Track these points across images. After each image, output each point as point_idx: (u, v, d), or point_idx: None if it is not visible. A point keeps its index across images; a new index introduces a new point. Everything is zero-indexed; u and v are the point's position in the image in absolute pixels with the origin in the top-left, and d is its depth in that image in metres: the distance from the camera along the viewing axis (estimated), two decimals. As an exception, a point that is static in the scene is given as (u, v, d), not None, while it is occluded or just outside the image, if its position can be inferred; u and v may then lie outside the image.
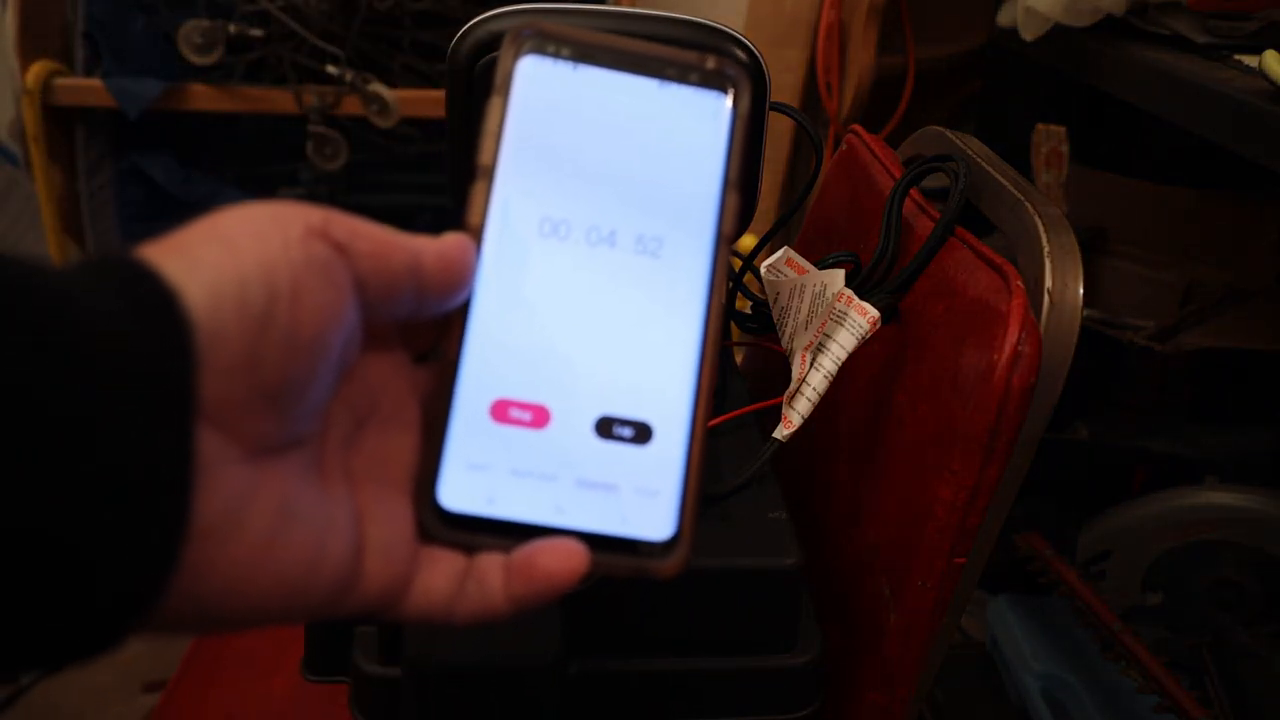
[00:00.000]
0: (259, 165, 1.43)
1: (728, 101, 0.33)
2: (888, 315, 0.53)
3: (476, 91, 0.53)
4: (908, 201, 0.60)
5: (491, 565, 0.30)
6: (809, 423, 0.52)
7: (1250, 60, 0.75)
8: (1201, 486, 0.95)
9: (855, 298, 0.52)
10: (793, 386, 0.52)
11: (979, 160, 0.59)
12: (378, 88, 1.31)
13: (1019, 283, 0.48)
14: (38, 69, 1.27)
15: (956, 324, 0.51)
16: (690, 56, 0.33)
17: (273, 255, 0.27)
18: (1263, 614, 0.93)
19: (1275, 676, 0.86)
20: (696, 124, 0.33)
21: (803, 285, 0.55)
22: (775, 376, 0.61)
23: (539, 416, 0.31)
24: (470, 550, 0.31)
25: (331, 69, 1.32)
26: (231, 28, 1.30)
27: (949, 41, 1.28)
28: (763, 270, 0.59)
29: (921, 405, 0.52)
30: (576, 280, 0.32)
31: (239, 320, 0.26)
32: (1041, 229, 0.51)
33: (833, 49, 1.20)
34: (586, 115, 0.33)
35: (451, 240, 0.31)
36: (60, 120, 1.32)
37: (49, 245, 1.36)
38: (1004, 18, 1.03)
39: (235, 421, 0.26)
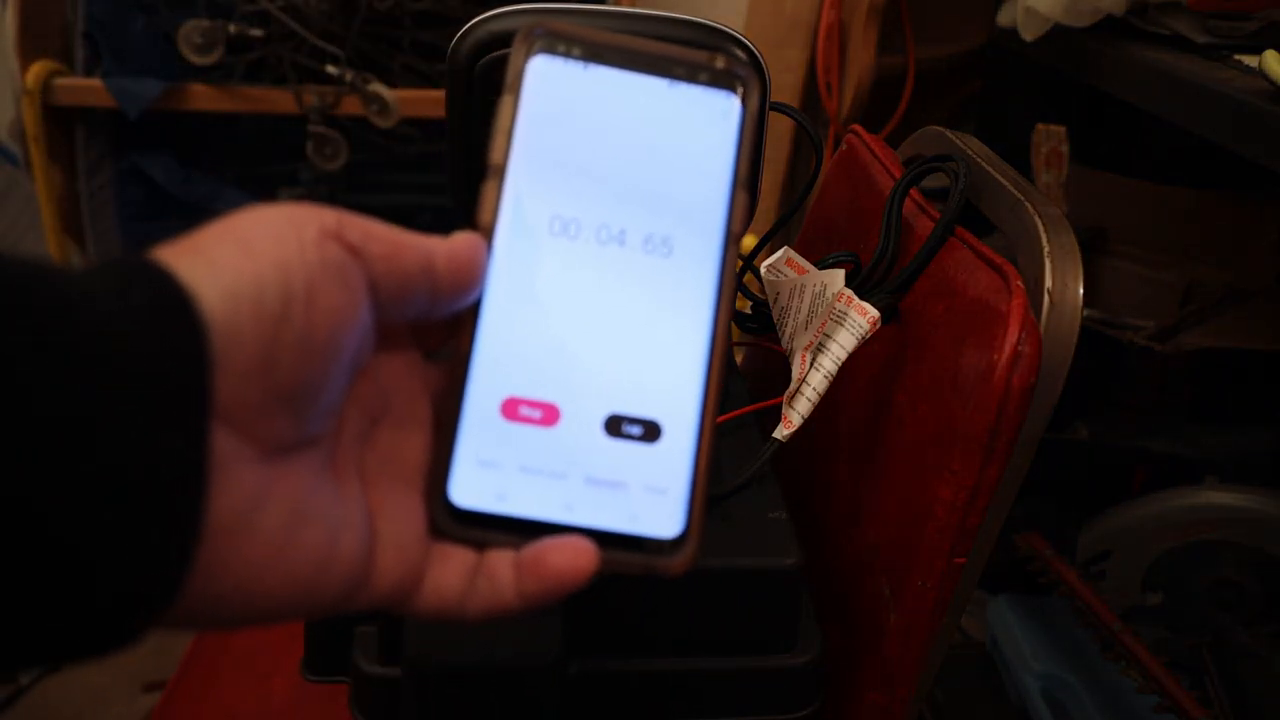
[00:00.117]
0: (259, 165, 1.44)
1: (737, 101, 0.34)
2: (888, 315, 0.53)
3: (476, 91, 0.53)
4: (908, 201, 0.60)
5: (502, 562, 0.30)
6: (809, 423, 0.52)
7: (1250, 60, 0.75)
8: (1201, 486, 0.95)
9: (855, 298, 0.52)
10: (793, 386, 0.52)
11: (979, 160, 0.59)
12: (378, 88, 1.31)
13: (1019, 283, 0.48)
14: (38, 69, 1.27)
15: (956, 324, 0.51)
16: (700, 56, 0.33)
17: (288, 257, 0.27)
18: (1263, 614, 0.93)
19: (1275, 676, 0.86)
20: (706, 123, 0.33)
21: (803, 285, 0.55)
22: (775, 376, 0.61)
23: (549, 414, 0.31)
24: (481, 547, 0.31)
25: (331, 69, 1.32)
26: (231, 28, 1.30)
27: (949, 41, 1.28)
28: (763, 270, 0.59)
29: (921, 405, 0.52)
30: (586, 279, 0.32)
31: (254, 322, 0.26)
32: (1041, 229, 0.51)
33: (833, 49, 1.20)
34: (597, 114, 0.33)
35: (463, 240, 0.31)
36: (60, 120, 1.32)
37: (49, 245, 1.36)
38: (1004, 18, 1.03)
39: (249, 422, 0.26)
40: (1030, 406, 0.47)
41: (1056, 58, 0.96)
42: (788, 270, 0.57)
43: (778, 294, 0.58)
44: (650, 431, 0.32)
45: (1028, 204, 0.52)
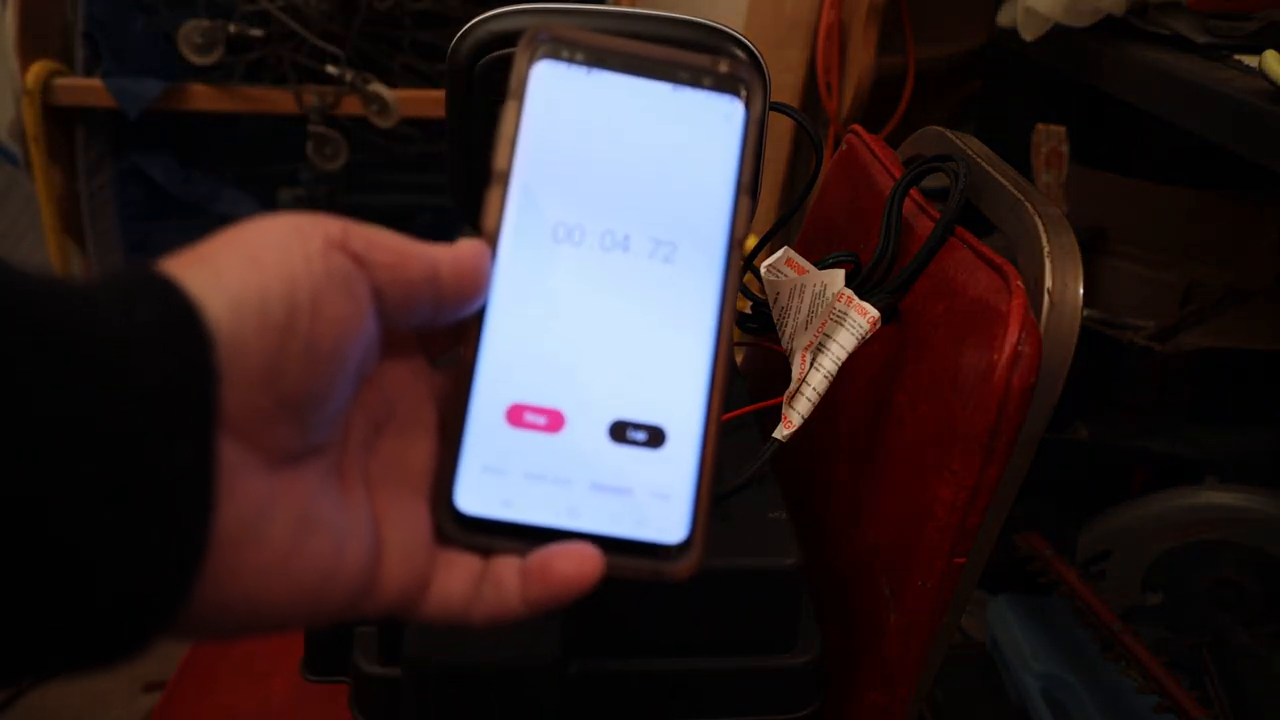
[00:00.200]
0: (259, 165, 1.44)
1: (740, 105, 0.34)
2: (888, 315, 0.53)
3: (477, 91, 0.53)
4: (908, 201, 0.60)
5: (507, 568, 0.30)
6: (809, 423, 0.52)
7: (1250, 60, 0.75)
8: (1201, 486, 0.95)
9: (855, 298, 0.52)
10: (793, 386, 0.52)
11: (979, 160, 0.59)
12: (378, 88, 1.31)
13: (1019, 283, 0.48)
14: (38, 69, 1.27)
15: (956, 324, 0.51)
16: (703, 60, 0.33)
17: (294, 268, 0.27)
18: (1263, 614, 0.93)
19: (1275, 676, 0.86)
20: (710, 128, 0.33)
21: (803, 285, 0.55)
22: (775, 376, 0.61)
23: (554, 421, 0.31)
24: (486, 553, 0.31)
25: (331, 69, 1.32)
26: (231, 28, 1.30)
27: (949, 41, 1.28)
28: (763, 270, 0.59)
29: (921, 405, 0.52)
30: (590, 285, 0.32)
31: (260, 333, 0.26)
32: (1041, 229, 0.51)
33: (833, 49, 1.20)
34: (600, 119, 0.33)
35: (467, 248, 0.31)
36: (60, 120, 1.32)
37: (49, 245, 1.36)
38: (1004, 18, 1.03)
39: (256, 432, 0.27)
40: (1030, 406, 0.47)
41: (1056, 58, 0.96)
42: (788, 270, 0.57)
43: (778, 294, 0.58)
44: (655, 437, 0.32)
45: (1028, 204, 0.52)
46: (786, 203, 1.27)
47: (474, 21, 0.53)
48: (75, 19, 1.30)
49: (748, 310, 0.65)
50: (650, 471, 0.31)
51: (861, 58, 1.18)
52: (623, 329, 0.32)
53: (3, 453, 0.22)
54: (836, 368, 0.51)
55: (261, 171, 1.44)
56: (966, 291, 0.51)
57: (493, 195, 0.32)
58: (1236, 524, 0.92)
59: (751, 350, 0.79)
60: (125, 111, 1.28)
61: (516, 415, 0.31)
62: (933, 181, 0.61)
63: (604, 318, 0.32)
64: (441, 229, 1.45)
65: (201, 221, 1.43)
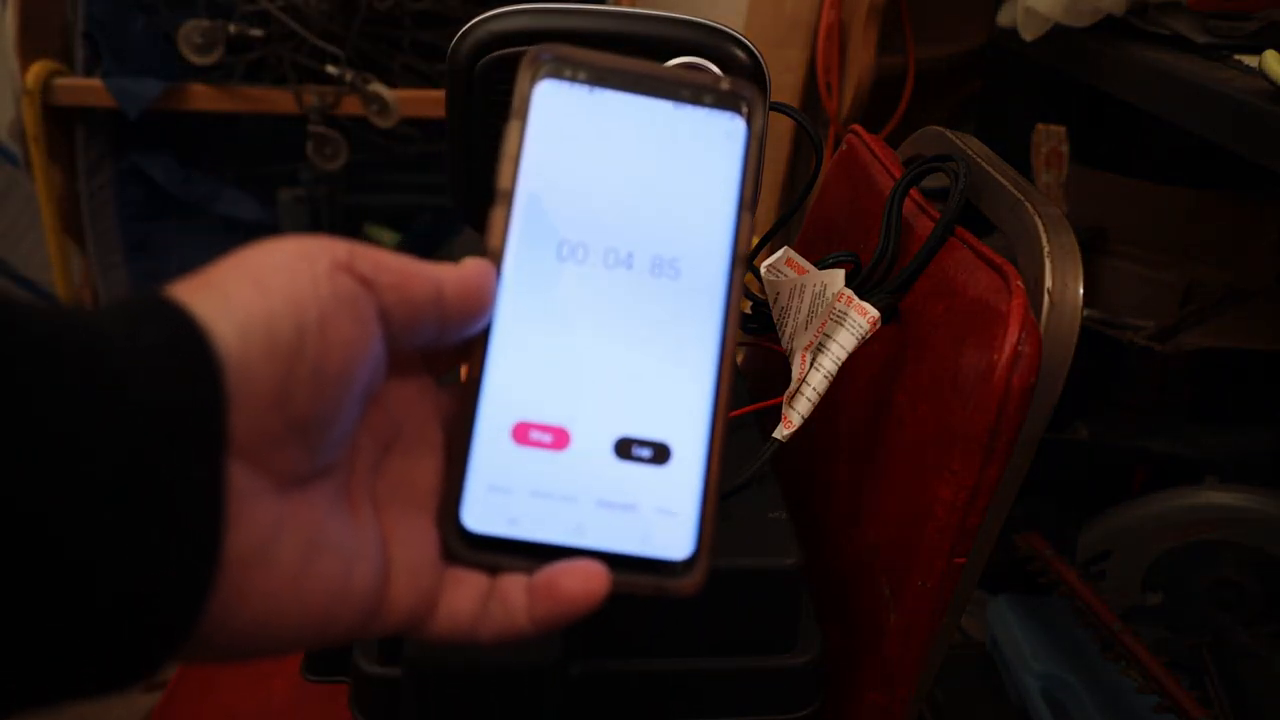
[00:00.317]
0: (259, 165, 1.44)
1: (742, 122, 0.34)
2: (888, 315, 0.53)
3: (477, 91, 0.53)
4: (908, 201, 0.60)
5: (514, 586, 0.31)
6: (809, 423, 0.52)
7: (1250, 60, 0.75)
8: (1201, 486, 0.95)
9: (855, 298, 0.52)
10: (793, 386, 0.52)
11: (979, 160, 0.59)
12: (378, 88, 1.31)
13: (1019, 283, 0.48)
14: (38, 69, 1.27)
15: (956, 324, 0.51)
16: (705, 78, 0.34)
17: (301, 292, 0.27)
18: (1263, 614, 0.93)
19: (1275, 676, 0.86)
20: (712, 145, 0.34)
21: (803, 285, 0.55)
22: (775, 376, 0.61)
23: (559, 438, 0.32)
24: (493, 571, 0.31)
25: (331, 69, 1.32)
26: (231, 28, 1.30)
27: (949, 41, 1.28)
28: (763, 270, 0.59)
29: (921, 405, 0.52)
30: (595, 303, 0.32)
31: (268, 357, 0.26)
32: (1041, 229, 0.51)
33: (833, 49, 1.20)
34: (603, 138, 0.33)
35: (472, 267, 0.31)
36: (60, 120, 1.33)
37: (49, 245, 1.36)
38: (1004, 18, 1.03)
39: (265, 455, 0.27)
40: (1030, 406, 0.47)
41: (1056, 58, 0.96)
42: (788, 270, 0.57)
43: (778, 294, 0.58)
44: (660, 454, 0.32)
45: (1028, 204, 0.52)
46: (786, 203, 1.27)
47: (474, 21, 0.53)
48: (75, 19, 1.30)
49: (748, 310, 0.65)
50: (655, 488, 0.32)
51: (861, 58, 1.18)
52: (627, 346, 0.32)
53: (13, 474, 0.22)
54: (836, 368, 0.51)
55: (261, 171, 1.44)
56: (966, 291, 0.51)
57: (496, 214, 0.32)
58: (1236, 524, 0.92)
59: (751, 350, 0.79)
60: (125, 111, 1.28)
61: (522, 433, 0.31)
62: (933, 181, 0.61)
63: (608, 335, 0.32)
64: (441, 229, 1.45)
65: (201, 221, 1.43)
